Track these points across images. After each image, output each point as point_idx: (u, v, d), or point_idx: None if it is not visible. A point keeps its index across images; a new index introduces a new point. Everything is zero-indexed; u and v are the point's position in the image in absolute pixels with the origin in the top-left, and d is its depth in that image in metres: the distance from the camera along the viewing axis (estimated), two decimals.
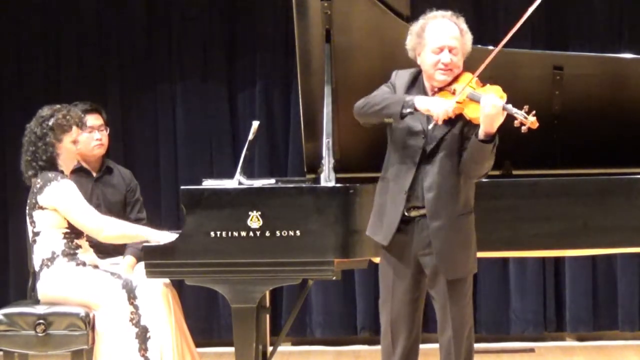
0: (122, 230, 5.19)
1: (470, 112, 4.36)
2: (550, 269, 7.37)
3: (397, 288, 4.57)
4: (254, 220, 4.90)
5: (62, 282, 5.12)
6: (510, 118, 4.29)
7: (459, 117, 4.41)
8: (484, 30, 7.18)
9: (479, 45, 5.64)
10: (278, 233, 4.90)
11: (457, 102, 4.36)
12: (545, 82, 5.48)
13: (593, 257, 7.17)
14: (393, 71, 4.68)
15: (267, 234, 4.90)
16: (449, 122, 4.42)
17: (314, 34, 5.32)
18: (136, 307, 5.06)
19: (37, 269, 5.19)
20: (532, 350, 7.20)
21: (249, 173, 5.51)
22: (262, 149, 7.36)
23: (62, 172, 5.21)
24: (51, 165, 5.19)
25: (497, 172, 5.50)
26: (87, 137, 5.76)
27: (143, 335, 5.04)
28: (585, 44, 7.07)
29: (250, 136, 5.40)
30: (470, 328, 4.57)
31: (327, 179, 5.00)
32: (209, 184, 5.28)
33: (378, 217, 4.60)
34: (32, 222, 5.18)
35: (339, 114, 5.27)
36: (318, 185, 5.07)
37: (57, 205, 5.10)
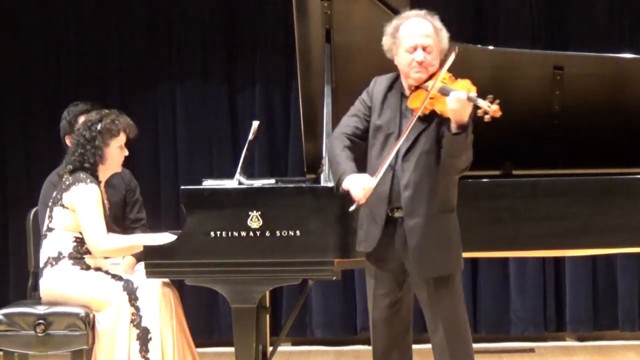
0: (118, 244, 5.17)
1: (441, 106, 4.42)
2: (550, 269, 7.37)
3: (377, 291, 4.63)
4: (254, 220, 4.90)
5: (64, 283, 5.12)
6: (476, 108, 4.33)
7: (433, 114, 4.46)
8: (484, 30, 7.18)
9: (479, 45, 5.66)
10: (278, 233, 4.90)
11: (430, 98, 4.42)
12: (545, 82, 5.48)
13: (593, 257, 7.17)
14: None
15: (267, 234, 4.90)
16: (424, 119, 4.47)
17: (314, 34, 5.32)
18: (137, 309, 5.06)
19: (41, 265, 5.19)
20: (532, 350, 7.20)
21: (249, 173, 5.51)
22: (262, 149, 7.36)
23: (96, 177, 5.21)
24: (94, 170, 5.20)
25: (497, 172, 5.51)
26: None
27: (144, 337, 5.04)
28: (585, 44, 7.07)
29: (250, 136, 5.40)
30: (465, 327, 4.57)
31: (327, 179, 5.00)
32: (209, 184, 5.28)
33: (362, 228, 4.62)
34: (51, 216, 5.19)
35: (339, 114, 5.27)
36: (318, 185, 5.07)
37: (75, 206, 5.12)
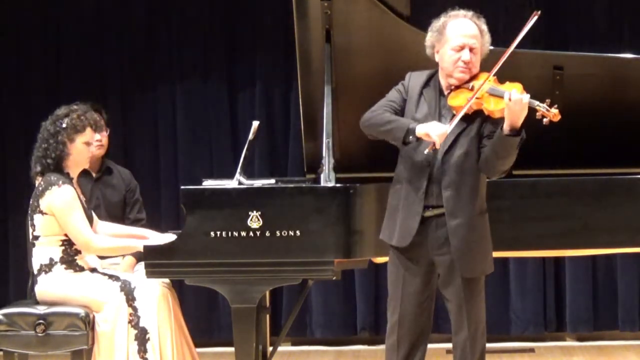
0: (111, 243, 5.17)
1: (489, 106, 4.40)
2: (550, 269, 7.37)
3: (407, 288, 4.57)
4: (254, 220, 4.90)
5: (60, 288, 5.10)
6: (531, 111, 4.35)
7: (477, 113, 4.44)
8: None
9: None
10: (278, 233, 4.90)
11: (477, 98, 4.39)
12: (545, 82, 5.48)
13: (593, 257, 7.17)
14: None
15: (267, 234, 4.90)
16: (464, 119, 4.44)
17: (314, 34, 5.32)
18: (135, 309, 5.05)
19: (35, 272, 5.17)
20: (532, 350, 7.20)
21: (249, 173, 5.51)
22: (262, 149, 7.36)
23: (67, 174, 5.18)
24: (57, 165, 5.14)
25: None
26: None
27: (142, 337, 5.03)
28: (585, 44, 7.07)
29: (250, 136, 5.40)
30: (484, 327, 4.59)
31: (327, 179, 5.00)
32: (209, 184, 5.28)
33: (392, 220, 4.58)
34: (33, 225, 5.15)
35: (339, 114, 5.28)
36: (318, 185, 5.07)
37: (55, 211, 5.08)
